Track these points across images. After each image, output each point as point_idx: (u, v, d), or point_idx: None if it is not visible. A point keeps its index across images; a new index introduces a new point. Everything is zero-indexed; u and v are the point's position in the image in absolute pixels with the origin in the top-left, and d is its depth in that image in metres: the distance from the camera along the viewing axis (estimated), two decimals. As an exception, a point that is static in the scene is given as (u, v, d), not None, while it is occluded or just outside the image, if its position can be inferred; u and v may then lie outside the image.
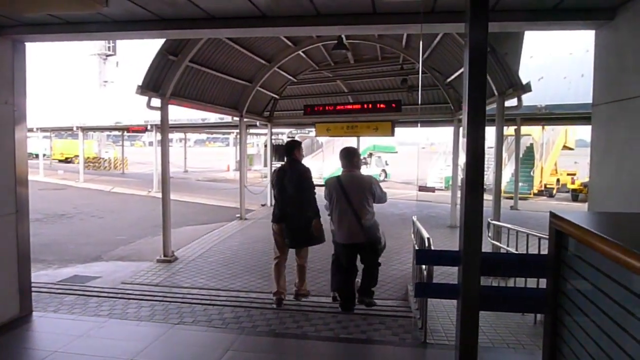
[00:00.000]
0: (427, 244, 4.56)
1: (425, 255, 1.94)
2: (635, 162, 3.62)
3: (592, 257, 1.31)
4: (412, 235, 7.65)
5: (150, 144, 35.62)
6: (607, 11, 4.01)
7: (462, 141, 1.75)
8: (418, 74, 14.04)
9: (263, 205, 16.68)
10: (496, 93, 8.39)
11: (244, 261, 8.98)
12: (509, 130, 17.91)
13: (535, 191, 22.69)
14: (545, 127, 22.10)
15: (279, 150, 30.72)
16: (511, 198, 18.01)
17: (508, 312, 1.57)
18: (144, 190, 22.66)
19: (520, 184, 19.09)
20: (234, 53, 11.24)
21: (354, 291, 5.76)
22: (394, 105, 14.16)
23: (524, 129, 19.61)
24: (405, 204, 18.71)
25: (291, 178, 5.74)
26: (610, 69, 4.13)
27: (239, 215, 13.92)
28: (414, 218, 7.22)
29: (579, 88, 12.91)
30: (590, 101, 4.45)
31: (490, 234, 7.73)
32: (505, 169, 24.33)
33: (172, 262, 8.77)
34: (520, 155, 19.95)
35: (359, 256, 5.74)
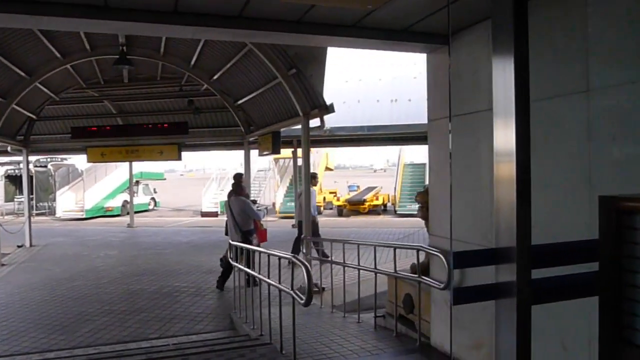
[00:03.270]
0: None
1: (464, 258, 1.82)
2: (479, 165, 4.10)
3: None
4: (230, 258, 7.33)
5: None
6: (441, 37, 4.49)
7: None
8: (204, 95, 13.71)
9: (20, 246, 13.80)
10: (301, 114, 8.70)
11: (22, 315, 7.24)
12: (287, 152, 18.72)
13: (306, 209, 24.42)
14: (312, 149, 24.04)
15: (18, 182, 25.66)
16: (289, 218, 18.72)
17: (560, 301, 1.60)
18: None
19: (292, 203, 20.14)
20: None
21: (227, 277, 8.33)
22: (178, 127, 13.55)
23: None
24: (189, 231, 17.98)
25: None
26: (446, 88, 4.63)
27: (-8, 261, 11.28)
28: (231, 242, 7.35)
29: (372, 111, 14.51)
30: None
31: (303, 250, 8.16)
32: (279, 190, 25.61)
33: None
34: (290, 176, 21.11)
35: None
